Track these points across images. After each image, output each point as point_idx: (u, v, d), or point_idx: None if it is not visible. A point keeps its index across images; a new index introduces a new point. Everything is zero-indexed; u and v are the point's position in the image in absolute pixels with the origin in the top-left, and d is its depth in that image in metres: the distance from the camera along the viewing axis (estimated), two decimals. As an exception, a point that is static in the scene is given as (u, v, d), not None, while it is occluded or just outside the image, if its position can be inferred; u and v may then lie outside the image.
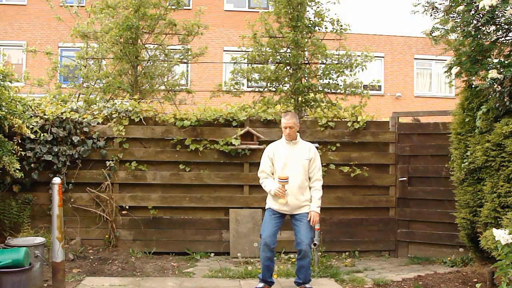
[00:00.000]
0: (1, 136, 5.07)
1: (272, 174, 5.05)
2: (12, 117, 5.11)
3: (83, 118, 6.66)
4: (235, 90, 8.71)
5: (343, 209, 7.10)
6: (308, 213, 4.95)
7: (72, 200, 6.60)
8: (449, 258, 6.51)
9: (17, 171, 5.12)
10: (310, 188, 5.03)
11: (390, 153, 7.17)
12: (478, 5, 4.75)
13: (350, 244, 7.05)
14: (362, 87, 8.40)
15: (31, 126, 5.74)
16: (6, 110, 4.94)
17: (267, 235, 4.90)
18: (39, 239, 5.05)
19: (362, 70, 8.32)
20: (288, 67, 8.26)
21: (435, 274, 5.81)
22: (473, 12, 5.02)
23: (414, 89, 20.90)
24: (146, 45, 8.88)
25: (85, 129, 6.62)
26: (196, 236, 6.83)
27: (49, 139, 6.32)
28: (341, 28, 8.35)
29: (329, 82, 8.31)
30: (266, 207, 5.11)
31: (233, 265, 6.27)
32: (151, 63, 8.96)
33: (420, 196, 6.99)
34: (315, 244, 5.99)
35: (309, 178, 5.03)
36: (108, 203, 6.64)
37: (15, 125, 5.21)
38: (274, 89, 8.38)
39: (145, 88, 8.83)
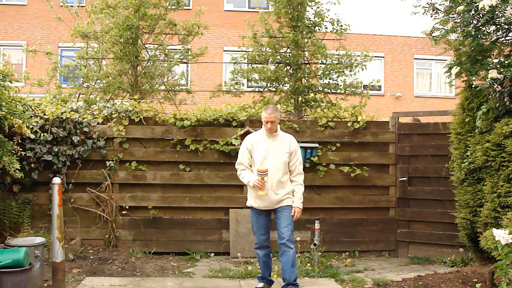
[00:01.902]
0: (1, 136, 5.07)
1: (251, 166, 4.91)
2: (12, 117, 5.11)
3: (83, 118, 6.65)
4: (235, 90, 8.72)
5: (343, 209, 7.10)
6: (290, 205, 4.81)
7: (72, 200, 6.60)
8: (449, 258, 6.51)
9: (17, 171, 5.12)
10: (291, 181, 4.86)
11: (390, 153, 7.17)
12: (478, 5, 4.75)
13: (350, 244, 7.05)
14: (362, 87, 8.41)
15: (31, 126, 5.74)
16: (6, 110, 4.94)
17: (260, 237, 4.88)
18: (39, 239, 5.05)
19: (362, 70, 8.34)
20: (288, 67, 8.27)
21: (435, 274, 5.81)
22: (473, 12, 5.03)
23: (414, 89, 20.91)
24: (146, 45, 8.88)
25: (85, 129, 6.62)
26: (196, 236, 6.83)
27: (49, 139, 6.32)
28: (341, 28, 8.36)
29: (329, 82, 8.32)
30: (247, 205, 5.00)
31: (233, 265, 6.27)
32: (151, 63, 8.97)
33: (420, 196, 6.99)
34: (315, 244, 5.99)
35: (290, 172, 4.86)
36: (108, 203, 6.64)
37: (15, 125, 5.20)
38: (274, 89, 8.38)
39: (145, 88, 8.83)
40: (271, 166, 4.73)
